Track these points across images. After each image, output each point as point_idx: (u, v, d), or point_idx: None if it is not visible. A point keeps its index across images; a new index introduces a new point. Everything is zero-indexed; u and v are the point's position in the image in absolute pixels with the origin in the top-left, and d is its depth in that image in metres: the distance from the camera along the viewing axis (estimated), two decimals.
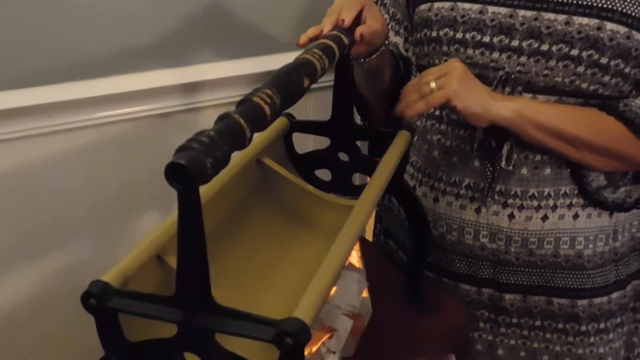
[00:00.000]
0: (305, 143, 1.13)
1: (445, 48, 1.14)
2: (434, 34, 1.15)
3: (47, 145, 1.37)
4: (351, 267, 1.04)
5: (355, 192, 1.06)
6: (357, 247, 1.06)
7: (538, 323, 1.21)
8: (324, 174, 1.11)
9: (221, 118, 0.63)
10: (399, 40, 1.28)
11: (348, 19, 1.01)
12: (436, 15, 1.15)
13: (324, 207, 1.03)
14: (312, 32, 1.01)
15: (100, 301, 0.66)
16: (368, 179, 1.00)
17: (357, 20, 1.03)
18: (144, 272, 0.74)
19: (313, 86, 0.79)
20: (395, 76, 1.25)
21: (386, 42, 1.16)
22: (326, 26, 1.00)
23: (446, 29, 1.14)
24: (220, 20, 1.55)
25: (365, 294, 1.03)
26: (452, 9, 1.14)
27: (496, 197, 1.15)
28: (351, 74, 1.05)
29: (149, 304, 0.66)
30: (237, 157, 0.95)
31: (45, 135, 1.36)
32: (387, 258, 1.34)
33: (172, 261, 0.76)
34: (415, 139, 1.23)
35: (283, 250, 0.98)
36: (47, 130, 1.36)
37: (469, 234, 1.18)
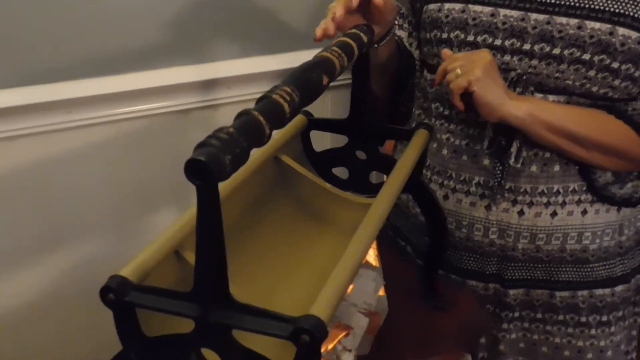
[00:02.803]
0: (322, 141, 1.13)
1: (455, 50, 1.14)
2: (444, 35, 1.15)
3: (65, 141, 1.38)
4: (368, 265, 1.04)
5: (372, 190, 1.06)
6: (373, 245, 1.06)
7: (539, 315, 1.23)
8: (341, 172, 1.11)
9: (240, 115, 0.63)
10: (402, 34, 1.28)
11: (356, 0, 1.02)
12: (447, 16, 1.15)
13: (341, 205, 1.03)
14: (324, 23, 1.02)
15: (118, 296, 0.66)
16: (385, 177, 1.00)
17: (367, 2, 1.05)
18: (162, 267, 0.74)
19: (331, 84, 0.79)
20: (398, 68, 1.26)
21: (395, 22, 1.16)
22: (338, 10, 1.01)
23: (457, 32, 1.14)
24: (239, 18, 1.55)
25: (381, 292, 1.03)
26: (463, 11, 1.13)
27: (506, 194, 1.16)
28: (368, 73, 1.04)
29: (167, 299, 0.66)
30: (255, 154, 0.95)
31: (63, 131, 1.37)
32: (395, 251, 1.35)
33: (190, 257, 0.76)
34: (435, 143, 1.23)
35: (300, 248, 0.98)
36: (65, 126, 1.37)
37: (479, 230, 1.19)
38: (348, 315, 0.96)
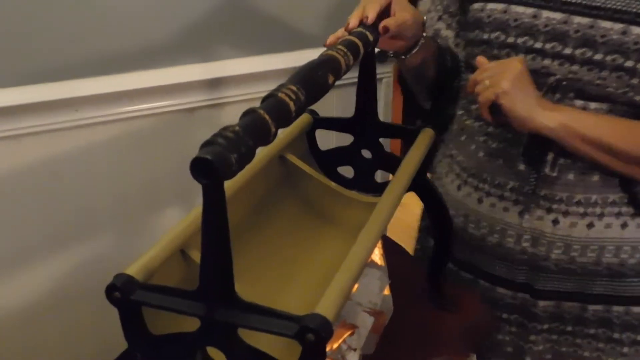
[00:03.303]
0: (328, 140, 1.13)
1: (495, 52, 1.11)
2: (485, 36, 1.12)
3: (72, 139, 1.39)
4: (373, 264, 1.04)
5: (377, 189, 1.06)
6: (379, 244, 1.06)
7: (569, 328, 1.18)
8: (346, 171, 1.11)
9: (246, 113, 0.63)
10: (449, 33, 1.25)
11: (372, 14, 1.00)
12: (488, 16, 1.11)
13: (346, 204, 1.03)
14: (340, 32, 1.01)
15: (124, 294, 0.66)
16: (390, 176, 1.00)
17: (386, 14, 1.03)
18: (168, 266, 0.74)
19: (336, 83, 0.79)
20: (440, 70, 1.23)
21: (424, 34, 1.14)
22: (352, 21, 1.00)
23: (498, 32, 1.10)
24: (245, 16, 1.56)
25: (386, 291, 1.02)
26: (504, 12, 1.10)
27: (541, 201, 1.12)
28: (374, 71, 1.04)
29: (173, 297, 0.66)
30: (261, 153, 0.95)
31: (71, 129, 1.38)
32: (424, 254, 1.34)
33: (196, 256, 0.76)
34: (464, 138, 1.21)
35: (305, 247, 0.98)
36: (73, 124, 1.38)
37: (511, 237, 1.15)
38: (353, 314, 0.96)
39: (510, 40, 1.09)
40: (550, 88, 1.06)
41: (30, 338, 1.45)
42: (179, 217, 0.85)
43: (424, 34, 1.14)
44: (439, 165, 1.29)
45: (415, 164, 0.97)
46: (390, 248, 1.14)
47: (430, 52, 1.19)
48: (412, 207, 1.37)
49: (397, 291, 1.04)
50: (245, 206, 0.93)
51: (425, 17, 1.15)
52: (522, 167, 1.12)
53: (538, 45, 1.07)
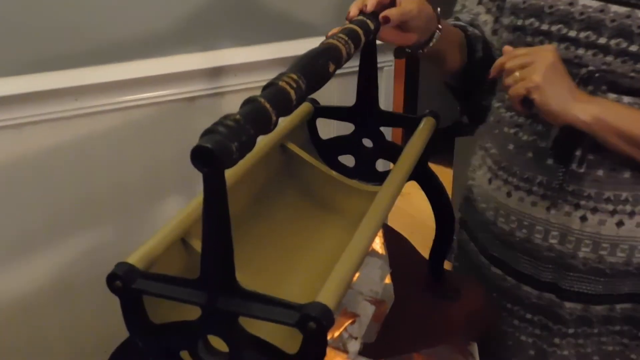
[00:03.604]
0: (329, 129, 1.13)
1: (529, 39, 1.08)
2: (520, 22, 1.09)
3: (72, 128, 1.38)
4: (374, 253, 1.04)
5: (378, 178, 1.06)
6: (380, 233, 1.06)
7: (595, 331, 1.15)
8: (347, 160, 1.11)
9: (247, 102, 0.63)
10: (488, 18, 1.22)
11: (371, 4, 0.99)
12: (524, 2, 1.09)
13: (347, 192, 1.03)
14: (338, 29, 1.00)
15: (125, 283, 0.67)
16: (391, 165, 1.00)
17: (392, 6, 1.02)
18: (169, 255, 0.74)
19: (337, 71, 0.78)
20: (469, 61, 1.21)
21: (439, 27, 1.11)
22: (352, 10, 0.99)
23: (532, 19, 1.08)
24: (246, 5, 1.55)
25: (387, 280, 1.03)
26: None
27: (568, 197, 1.09)
28: (375, 60, 1.04)
29: (174, 286, 0.66)
30: (261, 142, 0.95)
31: (70, 119, 1.37)
32: (458, 247, 1.34)
33: (197, 244, 0.76)
34: (497, 130, 1.19)
35: (306, 235, 0.98)
36: (73, 114, 1.37)
37: (539, 232, 1.13)
38: (354, 303, 0.96)
39: (544, 27, 1.06)
40: (582, 80, 1.03)
41: (32, 327, 1.45)
42: (180, 206, 0.85)
43: (439, 26, 1.11)
44: (474, 157, 1.28)
45: (417, 153, 0.97)
46: (392, 237, 1.14)
47: (449, 44, 1.16)
48: (412, 196, 1.37)
49: (398, 280, 1.04)
50: (246, 195, 0.93)
51: (438, 9, 1.13)
52: (550, 161, 1.10)
53: (572, 33, 1.04)
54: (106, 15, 1.39)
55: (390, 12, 1.00)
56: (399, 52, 1.14)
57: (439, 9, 1.13)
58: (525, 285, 1.18)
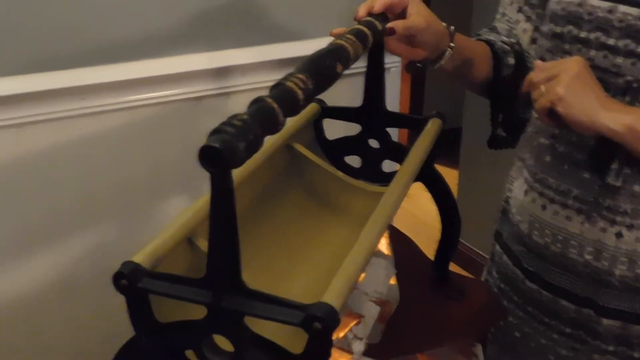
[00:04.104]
0: (335, 129, 1.13)
1: (567, 46, 1.06)
2: (558, 29, 1.07)
3: (79, 127, 1.39)
4: (379, 253, 1.04)
5: (385, 179, 1.06)
6: (385, 234, 1.06)
7: (637, 355, 1.10)
8: (353, 161, 1.11)
9: (254, 102, 0.63)
10: (528, 26, 1.20)
11: (378, 5, 0.99)
12: (563, 9, 1.06)
13: (353, 193, 1.03)
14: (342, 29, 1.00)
15: (131, 282, 0.67)
16: (398, 166, 1.00)
17: (402, 17, 1.02)
18: (175, 254, 0.74)
19: (345, 72, 0.78)
20: (495, 74, 1.19)
21: (451, 44, 1.10)
22: (360, 11, 0.99)
23: (570, 26, 1.05)
24: (253, 5, 1.55)
25: (393, 280, 1.03)
26: (579, 5, 1.04)
27: (603, 212, 1.06)
28: (383, 60, 1.04)
29: (180, 285, 0.66)
30: (268, 142, 0.95)
31: (77, 118, 1.38)
32: (491, 260, 1.32)
33: (203, 244, 0.76)
34: (535, 142, 1.16)
35: (312, 236, 0.98)
36: (79, 113, 1.38)
37: (574, 248, 1.10)
38: (359, 303, 0.96)
39: (583, 35, 1.04)
40: (619, 90, 1.01)
41: (33, 327, 1.45)
42: (185, 205, 0.85)
43: (451, 44, 1.10)
44: (512, 169, 1.26)
45: (423, 154, 0.97)
46: (397, 238, 1.14)
47: (470, 60, 1.15)
48: (417, 197, 1.37)
49: (403, 281, 1.04)
50: (252, 195, 0.93)
51: (452, 27, 1.11)
52: (586, 174, 1.07)
53: (610, 41, 1.01)
54: (112, 15, 1.39)
55: (396, 24, 1.00)
56: (410, 67, 1.13)
57: (452, 27, 1.11)
58: (562, 299, 1.14)
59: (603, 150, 1.02)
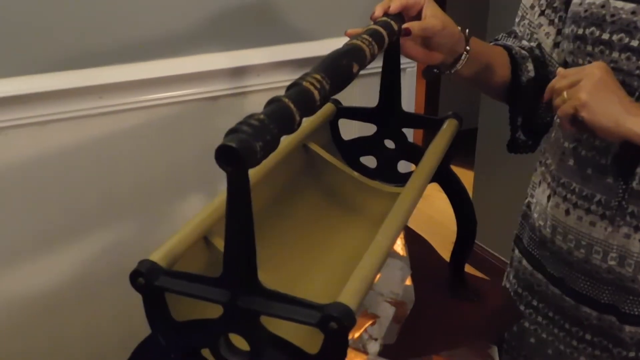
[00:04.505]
0: (351, 129, 1.13)
1: (589, 48, 1.05)
2: (580, 31, 1.06)
3: (96, 126, 1.39)
4: (395, 254, 1.04)
5: (400, 179, 1.06)
6: (401, 235, 1.06)
7: None
8: (369, 161, 1.11)
9: (271, 102, 0.63)
10: (551, 30, 1.19)
11: (394, 6, 0.99)
12: (585, 11, 1.05)
13: (369, 193, 1.03)
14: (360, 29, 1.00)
15: (148, 280, 0.67)
16: (413, 166, 1.00)
17: (417, 19, 1.02)
18: (191, 253, 0.75)
19: (360, 72, 0.78)
20: (513, 80, 1.18)
21: (467, 48, 1.10)
22: (377, 11, 0.99)
23: (593, 28, 1.04)
24: (269, 5, 1.56)
25: (408, 281, 1.03)
26: (602, 6, 1.03)
27: (627, 218, 1.05)
28: (399, 61, 1.04)
29: (196, 284, 0.66)
30: (284, 142, 0.95)
31: (94, 117, 1.39)
32: (510, 265, 1.32)
33: (219, 243, 0.76)
34: (558, 146, 1.16)
35: (327, 236, 0.98)
36: (96, 112, 1.38)
37: (598, 253, 1.09)
38: (375, 304, 0.96)
39: (605, 36, 1.03)
40: None
41: (51, 326, 1.46)
42: (202, 204, 0.86)
43: (467, 48, 1.10)
44: (535, 174, 1.25)
45: (439, 155, 0.96)
46: (412, 238, 1.14)
47: (488, 65, 1.14)
48: (433, 198, 1.37)
49: (418, 282, 1.04)
50: (268, 194, 0.93)
51: (467, 31, 1.10)
52: (610, 178, 1.06)
53: (634, 43, 1.00)
54: (131, 15, 1.39)
55: (412, 25, 1.00)
56: (426, 73, 1.13)
57: (467, 30, 1.11)
58: (584, 306, 1.14)
59: (627, 155, 1.01)
